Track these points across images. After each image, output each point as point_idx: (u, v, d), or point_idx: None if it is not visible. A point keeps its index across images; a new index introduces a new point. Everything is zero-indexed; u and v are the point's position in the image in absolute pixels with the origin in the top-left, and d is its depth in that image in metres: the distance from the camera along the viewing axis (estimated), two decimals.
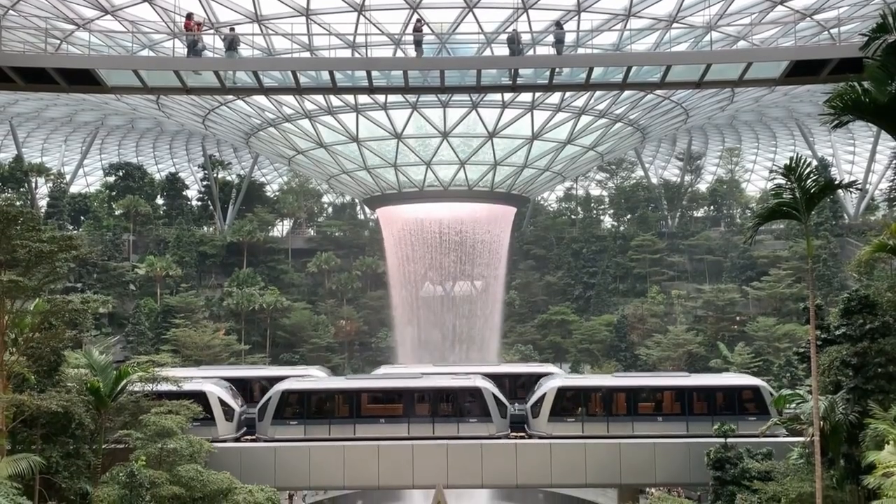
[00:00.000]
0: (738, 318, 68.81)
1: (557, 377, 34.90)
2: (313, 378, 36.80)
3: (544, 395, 33.22)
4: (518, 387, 38.53)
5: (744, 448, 29.27)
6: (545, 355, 67.49)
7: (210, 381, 33.70)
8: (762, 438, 29.50)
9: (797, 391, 25.55)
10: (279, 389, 33.11)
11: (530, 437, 33.04)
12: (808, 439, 22.82)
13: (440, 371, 39.77)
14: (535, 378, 37.29)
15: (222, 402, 32.33)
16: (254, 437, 32.66)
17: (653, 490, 38.88)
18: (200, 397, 30.85)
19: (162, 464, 26.08)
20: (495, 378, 36.52)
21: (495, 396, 33.01)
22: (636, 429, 32.61)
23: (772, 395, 32.98)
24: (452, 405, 33.57)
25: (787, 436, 31.47)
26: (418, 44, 29.55)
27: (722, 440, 29.62)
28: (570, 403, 33.40)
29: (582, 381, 34.88)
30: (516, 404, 35.29)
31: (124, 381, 27.26)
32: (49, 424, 25.06)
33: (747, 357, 59.03)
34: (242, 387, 36.51)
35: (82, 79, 28.33)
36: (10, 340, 24.47)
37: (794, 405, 24.21)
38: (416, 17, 37.10)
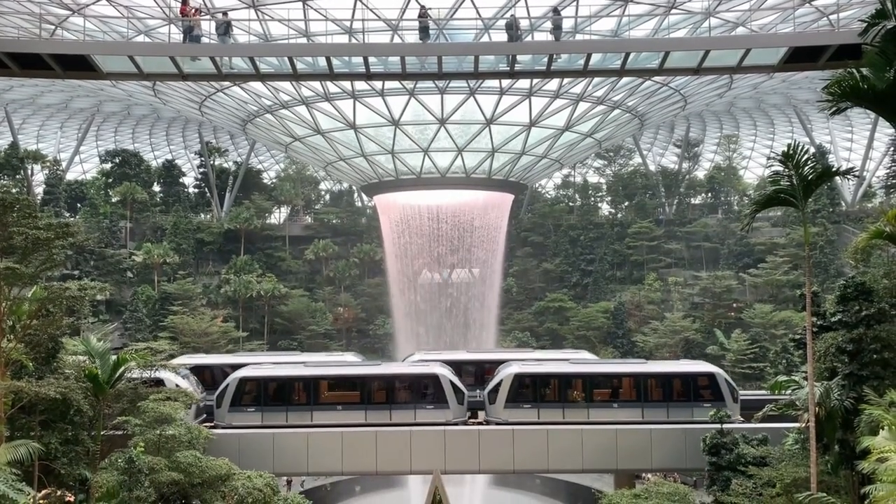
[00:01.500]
0: (734, 305, 69.09)
1: (514, 364, 34.99)
2: (270, 365, 36.63)
3: (501, 381, 33.36)
4: None
5: (740, 434, 29.47)
6: (542, 342, 67.77)
7: (168, 368, 33.48)
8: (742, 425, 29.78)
9: (793, 377, 25.61)
10: (236, 377, 33.11)
11: (487, 423, 33.24)
12: (804, 425, 22.98)
13: (478, 357, 39.69)
14: None
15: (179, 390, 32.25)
16: (213, 423, 32.55)
17: (649, 475, 39.15)
18: (158, 384, 30.77)
19: (160, 450, 26.17)
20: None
21: (453, 383, 33.14)
22: (592, 415, 32.77)
23: (727, 381, 33.30)
24: (410, 392, 33.65)
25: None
26: (424, 30, 29.26)
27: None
28: (526, 390, 33.47)
29: (538, 369, 34.58)
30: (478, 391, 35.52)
31: (122, 368, 27.28)
32: (47, 411, 25.11)
33: (744, 344, 59.33)
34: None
35: (78, 65, 28.15)
36: (8, 327, 24.45)
37: (790, 391, 24.30)
38: (420, 2, 36.76)
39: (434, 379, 33.19)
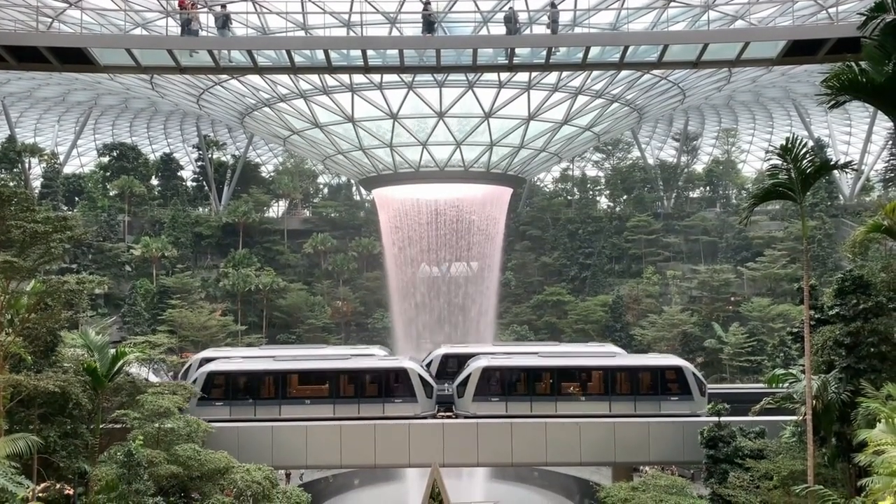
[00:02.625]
0: (732, 299, 69.16)
1: (483, 357, 35.02)
2: (239, 359, 36.57)
3: (469, 375, 33.44)
4: None
5: (737, 427, 29.58)
6: (541, 336, 67.85)
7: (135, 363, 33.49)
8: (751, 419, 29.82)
9: (790, 371, 25.70)
10: (205, 371, 33.07)
11: (457, 416, 33.30)
12: (801, 418, 23.05)
13: (504, 350, 39.79)
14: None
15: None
16: None
17: (646, 468, 39.27)
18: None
19: (159, 443, 26.23)
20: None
21: (421, 377, 33.20)
22: (559, 408, 32.89)
23: (695, 375, 33.42)
24: (378, 386, 33.59)
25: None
26: (429, 24, 29.12)
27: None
28: (494, 384, 33.55)
29: (507, 362, 34.64)
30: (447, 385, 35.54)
31: (121, 362, 27.30)
32: (46, 405, 25.12)
33: (741, 337, 59.42)
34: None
35: (75, 58, 28.07)
36: (7, 321, 24.45)
37: (787, 384, 24.38)
38: None
39: (403, 373, 33.22)
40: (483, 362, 33.89)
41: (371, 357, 36.98)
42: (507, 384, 33.76)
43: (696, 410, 32.69)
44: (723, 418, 29.84)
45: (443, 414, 33.80)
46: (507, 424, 32.05)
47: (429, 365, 37.70)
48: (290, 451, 31.71)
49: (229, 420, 31.88)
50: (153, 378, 32.86)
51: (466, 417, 32.82)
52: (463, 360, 37.19)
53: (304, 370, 34.60)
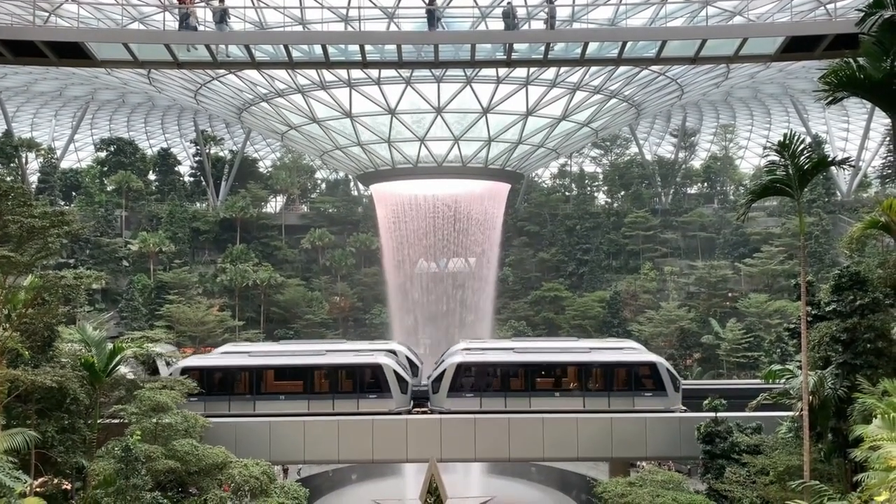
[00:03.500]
0: (730, 295, 69.30)
1: (458, 353, 34.99)
2: (218, 355, 36.44)
3: (444, 370, 33.42)
4: None
5: (734, 422, 29.67)
6: (538, 331, 67.94)
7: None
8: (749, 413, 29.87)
9: (787, 366, 25.72)
10: (179, 366, 33.01)
11: (431, 412, 33.29)
12: (797, 414, 23.10)
13: (530, 345, 39.75)
14: None
15: None
16: None
17: (643, 464, 39.38)
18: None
19: (157, 438, 26.23)
20: None
21: (396, 373, 33.19)
22: (533, 404, 32.96)
23: (669, 371, 33.42)
24: (353, 382, 33.56)
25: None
26: (433, 18, 29.01)
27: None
28: (469, 379, 33.59)
29: (481, 357, 34.65)
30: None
31: (118, 357, 27.29)
32: (44, 399, 25.13)
33: (738, 333, 59.55)
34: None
35: (71, 52, 28.00)
36: (4, 316, 24.42)
37: (783, 380, 24.43)
38: None
39: (377, 368, 33.21)
40: (457, 358, 34.00)
41: (347, 353, 36.79)
42: (482, 380, 33.84)
43: (670, 406, 32.84)
44: (719, 414, 29.93)
45: (417, 410, 33.85)
46: (504, 420, 32.12)
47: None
48: (288, 447, 31.76)
49: (203, 415, 31.89)
50: (164, 371, 32.92)
51: (441, 413, 32.92)
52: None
53: (279, 366, 34.49)
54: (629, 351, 36.22)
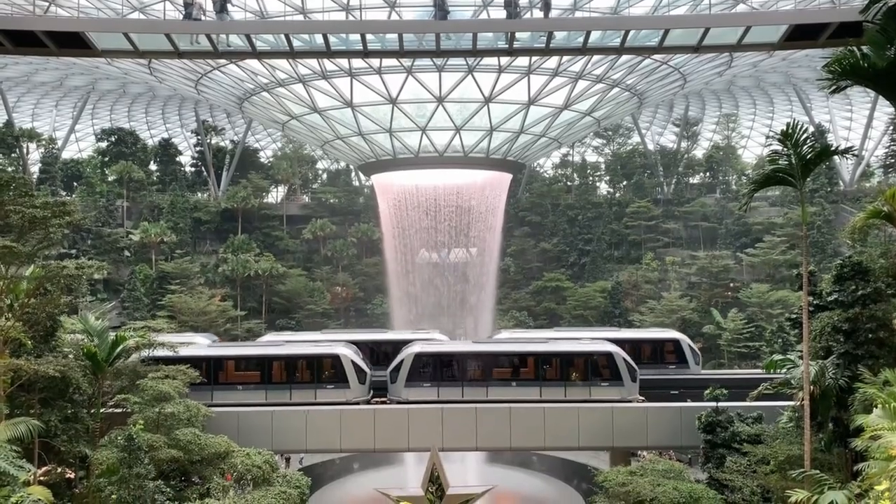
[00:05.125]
0: (731, 285, 69.26)
1: (417, 343, 35.12)
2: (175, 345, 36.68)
3: (402, 361, 33.62)
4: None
5: (735, 412, 29.72)
6: (540, 322, 68.01)
7: None
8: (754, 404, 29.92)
9: (789, 356, 25.76)
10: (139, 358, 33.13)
11: (390, 402, 33.48)
12: (798, 403, 23.14)
13: (566, 336, 39.87)
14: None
15: None
16: None
17: (644, 453, 39.51)
18: None
19: (160, 427, 26.34)
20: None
21: (354, 363, 33.39)
22: (491, 393, 33.13)
23: (626, 361, 33.54)
24: (311, 372, 33.74)
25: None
26: (440, 7, 28.85)
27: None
28: (427, 370, 33.76)
29: (439, 348, 34.91)
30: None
31: (121, 347, 27.37)
32: (47, 389, 25.23)
33: (740, 323, 59.57)
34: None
35: (72, 42, 27.90)
36: (6, 306, 24.48)
37: (785, 370, 24.46)
38: None
39: (336, 359, 33.41)
40: (416, 349, 34.21)
41: (307, 343, 36.81)
42: (440, 370, 33.99)
43: (627, 396, 33.01)
44: (720, 404, 29.99)
45: (377, 399, 34.06)
46: (505, 410, 32.19)
47: None
48: (290, 436, 31.87)
49: None
50: None
51: (399, 403, 33.09)
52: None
53: (238, 356, 34.61)
54: (589, 341, 36.47)
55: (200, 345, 36.35)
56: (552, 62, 50.37)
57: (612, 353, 33.73)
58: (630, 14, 38.72)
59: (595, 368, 33.69)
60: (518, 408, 32.40)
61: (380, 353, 39.37)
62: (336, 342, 36.70)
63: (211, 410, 29.17)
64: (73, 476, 27.27)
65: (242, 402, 32.34)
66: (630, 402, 32.58)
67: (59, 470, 26.73)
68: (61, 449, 25.03)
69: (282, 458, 40.95)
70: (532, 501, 46.13)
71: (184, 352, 31.85)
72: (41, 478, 24.66)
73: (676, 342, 39.91)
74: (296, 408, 32.38)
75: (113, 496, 22.92)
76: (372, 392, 34.48)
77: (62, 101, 79.33)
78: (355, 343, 37.03)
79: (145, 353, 29.44)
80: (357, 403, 33.05)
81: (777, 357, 26.33)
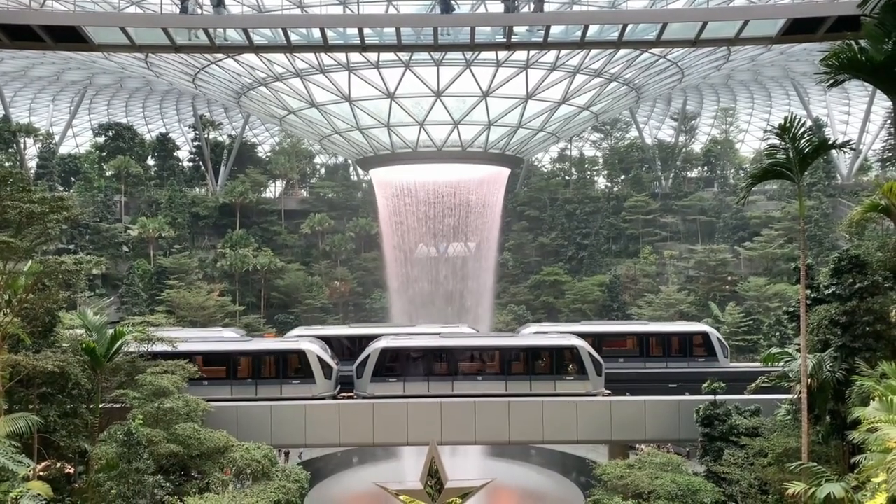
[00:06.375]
0: (729, 278, 69.37)
1: (384, 338, 35.18)
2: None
3: (368, 356, 33.63)
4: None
5: (732, 405, 29.80)
6: (538, 316, 68.09)
7: None
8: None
9: (786, 350, 25.82)
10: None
11: (357, 397, 33.53)
12: (796, 396, 23.20)
13: (602, 329, 39.76)
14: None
15: None
16: None
17: (642, 446, 39.63)
18: None
19: (159, 422, 26.36)
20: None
21: (320, 358, 33.42)
22: (456, 388, 33.16)
23: (591, 355, 33.58)
24: (275, 368, 33.75)
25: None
26: (447, 3, 28.74)
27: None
28: (392, 364, 33.77)
29: (405, 343, 34.89)
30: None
31: (119, 342, 27.37)
32: (46, 384, 25.23)
33: (738, 317, 59.69)
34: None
35: (69, 36, 27.86)
36: (4, 302, 24.45)
37: (782, 363, 24.52)
38: None
39: (301, 354, 33.45)
40: (382, 343, 34.20)
41: (271, 339, 36.94)
42: (405, 365, 34.01)
43: (591, 390, 33.04)
44: (718, 397, 30.08)
45: (345, 394, 34.10)
46: (504, 403, 32.26)
47: None
48: (289, 430, 31.93)
49: None
50: None
51: (364, 398, 33.13)
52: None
53: (205, 352, 34.34)
54: (554, 335, 36.50)
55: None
56: (550, 56, 50.32)
57: (577, 347, 33.71)
58: (628, 8, 38.63)
59: (560, 362, 33.68)
60: (516, 402, 32.45)
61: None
62: (302, 338, 36.58)
63: (210, 405, 29.21)
64: (72, 471, 27.30)
65: (207, 398, 32.17)
66: (595, 395, 32.60)
67: (59, 465, 26.74)
68: (60, 444, 25.05)
69: (280, 452, 41.05)
70: (530, 495, 46.28)
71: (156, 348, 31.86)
72: (40, 473, 24.68)
73: (705, 335, 39.36)
74: (262, 403, 32.34)
75: (112, 491, 22.97)
76: (339, 387, 34.49)
77: (59, 96, 79.12)
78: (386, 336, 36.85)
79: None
80: (323, 399, 33.06)
81: (775, 350, 26.40)
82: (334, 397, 33.56)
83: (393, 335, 36.90)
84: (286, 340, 36.12)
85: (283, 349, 34.34)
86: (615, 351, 38.95)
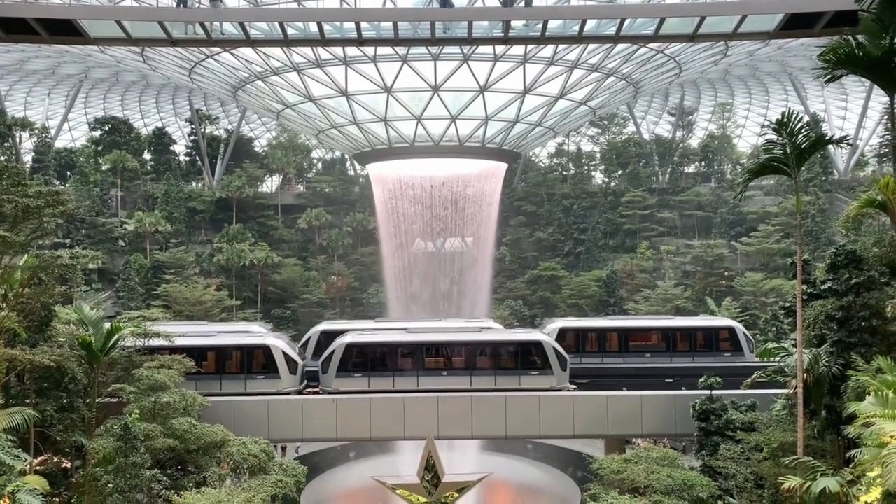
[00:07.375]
0: (726, 274, 69.54)
1: (349, 334, 35.15)
2: None
3: (333, 351, 33.65)
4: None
5: (728, 400, 29.90)
6: (535, 311, 68.17)
7: None
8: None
9: (782, 344, 25.90)
10: None
11: (321, 393, 33.52)
12: (792, 391, 23.28)
13: (620, 324, 39.68)
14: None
15: None
16: None
17: (639, 441, 39.74)
18: None
19: (156, 417, 26.36)
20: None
21: (285, 353, 33.45)
22: (422, 383, 33.19)
23: (556, 350, 33.66)
24: (242, 363, 33.73)
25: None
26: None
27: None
28: (357, 360, 33.76)
29: (370, 338, 34.97)
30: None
31: (116, 337, 27.33)
32: (42, 379, 25.21)
33: (734, 312, 59.78)
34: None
35: (64, 29, 27.73)
36: (0, 296, 24.41)
37: (779, 358, 24.59)
38: None
39: (266, 350, 33.44)
40: (347, 339, 34.20)
41: (237, 334, 36.74)
42: (370, 360, 34.00)
43: (556, 385, 33.10)
44: (714, 391, 30.15)
45: (310, 390, 34.08)
46: (501, 398, 32.31)
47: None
48: (286, 425, 31.96)
49: None
50: None
51: (329, 393, 33.12)
52: (582, 333, 38.27)
53: (170, 347, 33.66)
54: (521, 330, 36.49)
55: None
56: (548, 51, 50.25)
57: (542, 342, 33.72)
58: (626, 2, 38.57)
59: (525, 357, 33.68)
60: (512, 396, 32.50)
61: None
62: (267, 333, 36.42)
63: (207, 400, 29.20)
64: (69, 465, 27.31)
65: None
66: (560, 390, 32.64)
67: (56, 459, 26.77)
68: (57, 438, 25.04)
69: (277, 447, 41.07)
70: (527, 489, 46.43)
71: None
72: (37, 467, 24.69)
73: (731, 330, 39.04)
74: (226, 398, 32.14)
75: (109, 485, 22.98)
76: (306, 382, 34.48)
77: (55, 90, 78.80)
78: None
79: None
80: (288, 394, 33.02)
81: (771, 345, 26.49)
82: (300, 392, 33.54)
83: (405, 329, 36.75)
84: (253, 336, 35.77)
85: (248, 344, 34.14)
86: (642, 346, 38.80)
